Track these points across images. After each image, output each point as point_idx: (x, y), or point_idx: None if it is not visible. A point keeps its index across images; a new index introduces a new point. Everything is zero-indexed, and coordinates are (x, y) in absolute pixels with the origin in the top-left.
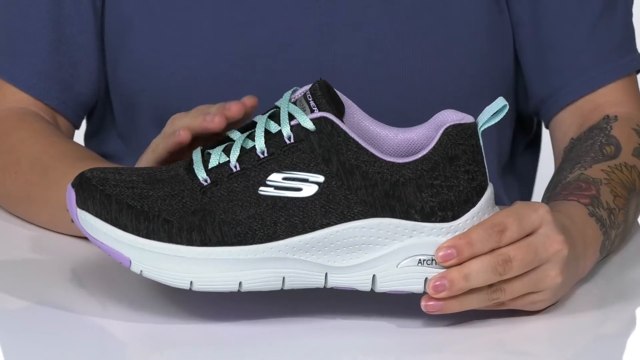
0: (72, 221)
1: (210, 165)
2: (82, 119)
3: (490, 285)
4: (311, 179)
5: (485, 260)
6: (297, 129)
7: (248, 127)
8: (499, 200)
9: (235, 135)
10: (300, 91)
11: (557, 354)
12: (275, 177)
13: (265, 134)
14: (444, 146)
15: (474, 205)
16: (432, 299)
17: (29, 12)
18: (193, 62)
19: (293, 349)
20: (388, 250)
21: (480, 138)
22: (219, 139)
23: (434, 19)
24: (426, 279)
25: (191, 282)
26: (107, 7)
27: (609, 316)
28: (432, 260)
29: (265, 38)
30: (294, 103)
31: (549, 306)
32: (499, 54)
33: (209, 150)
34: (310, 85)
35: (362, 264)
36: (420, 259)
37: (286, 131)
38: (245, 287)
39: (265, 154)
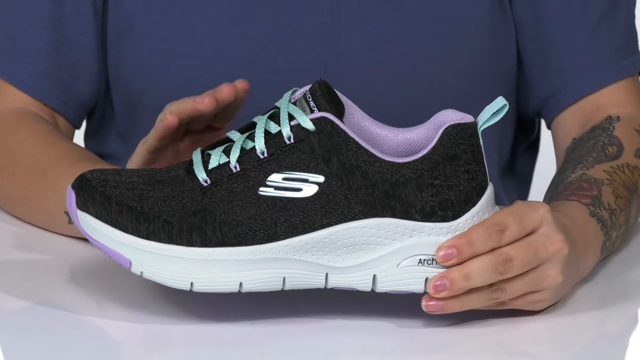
0: (69, 222)
1: (210, 166)
2: (83, 119)
3: (491, 285)
4: (311, 179)
5: (486, 260)
6: (297, 129)
7: (248, 128)
8: (498, 200)
9: (235, 136)
10: (300, 91)
11: (558, 354)
12: (275, 178)
13: (265, 134)
14: (444, 146)
15: (474, 204)
16: (432, 298)
17: (30, 12)
18: (195, 62)
19: (293, 349)
20: (388, 250)
21: (480, 138)
22: (219, 140)
23: (437, 19)
24: (427, 278)
25: (191, 283)
26: (110, 7)
27: (609, 316)
28: (433, 260)
29: (267, 38)
30: (294, 103)
31: (550, 306)
32: (502, 54)
33: (208, 151)
34: (310, 86)
35: (362, 264)
36: (420, 259)
37: (286, 131)
38: (246, 288)
39: (265, 155)
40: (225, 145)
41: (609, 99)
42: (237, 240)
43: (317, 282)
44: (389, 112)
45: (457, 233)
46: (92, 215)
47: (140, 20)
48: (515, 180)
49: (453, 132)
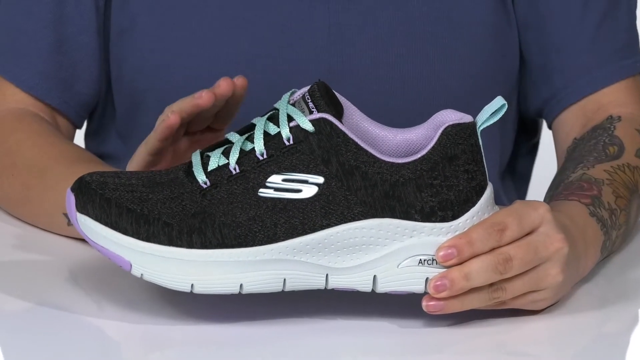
0: (69, 224)
1: (209, 168)
2: (84, 118)
3: (491, 285)
4: (311, 180)
5: (486, 260)
6: (296, 130)
7: (247, 129)
8: (498, 201)
9: (234, 137)
10: (299, 93)
11: (558, 354)
12: (275, 179)
13: (264, 135)
14: (443, 146)
15: (473, 204)
16: (433, 298)
17: (31, 12)
18: (197, 62)
19: (293, 350)
20: (388, 251)
21: (480, 137)
22: (218, 141)
23: (440, 19)
24: (427, 278)
25: (192, 285)
26: (113, 7)
27: (609, 316)
28: (433, 260)
29: (271, 38)
30: (293, 104)
31: (550, 306)
32: (504, 55)
33: (208, 153)
34: (308, 87)
35: (362, 264)
36: (420, 259)
37: (285, 133)
38: (246, 289)
39: (265, 156)
40: (225, 146)
41: (610, 99)
42: (237, 241)
43: (318, 283)
44: (391, 112)
45: (457, 233)
46: (92, 217)
47: (142, 20)
48: (514, 180)
49: (452, 132)
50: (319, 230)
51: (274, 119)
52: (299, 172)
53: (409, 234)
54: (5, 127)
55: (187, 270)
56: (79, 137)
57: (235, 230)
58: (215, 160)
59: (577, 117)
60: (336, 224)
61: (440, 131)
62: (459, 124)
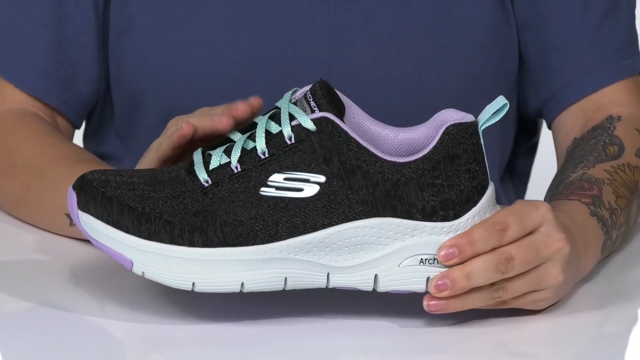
0: (71, 225)
1: (211, 167)
2: (83, 118)
3: (492, 284)
4: (312, 179)
5: (487, 259)
6: (297, 129)
7: (249, 128)
8: (497, 200)
9: (236, 136)
10: (301, 91)
11: (559, 354)
12: (277, 178)
13: (266, 134)
14: (445, 145)
15: (475, 204)
16: (434, 298)
17: (30, 12)
18: (197, 62)
19: (294, 349)
20: (390, 250)
21: (481, 137)
22: (220, 140)
23: (440, 19)
24: (428, 278)
25: (193, 284)
26: (113, 7)
27: (610, 316)
28: (434, 259)
29: (272, 38)
30: (294, 103)
31: (551, 305)
32: (504, 55)
33: (209, 152)
34: (310, 86)
35: (364, 263)
36: (422, 259)
37: (287, 131)
38: (248, 288)
39: (266, 155)
40: (226, 145)
41: (610, 99)
42: (239, 240)
43: (319, 282)
44: (392, 112)
45: (458, 232)
46: (94, 216)
47: (142, 20)
48: (513, 180)
49: (454, 132)
50: (321, 229)
51: (276, 117)
52: (301, 171)
53: (411, 233)
54: (5, 127)
55: (188, 268)
56: (78, 138)
57: (236, 228)
58: (217, 158)
59: (577, 117)
60: (337, 223)
61: (442, 130)
62: (460, 124)
